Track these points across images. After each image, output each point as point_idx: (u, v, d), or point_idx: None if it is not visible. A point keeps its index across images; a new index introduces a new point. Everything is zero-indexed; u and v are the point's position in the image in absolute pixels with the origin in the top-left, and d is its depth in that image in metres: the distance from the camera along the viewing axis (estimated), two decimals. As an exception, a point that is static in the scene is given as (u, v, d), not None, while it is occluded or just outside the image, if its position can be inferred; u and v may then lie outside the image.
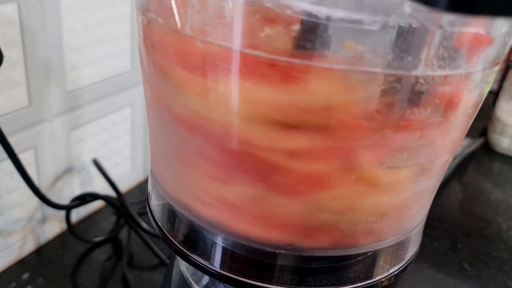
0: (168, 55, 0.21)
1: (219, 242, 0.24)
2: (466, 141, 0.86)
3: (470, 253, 0.60)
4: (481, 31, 0.18)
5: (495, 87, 1.06)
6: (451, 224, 0.66)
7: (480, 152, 0.87)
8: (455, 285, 0.55)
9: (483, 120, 0.96)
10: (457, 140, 0.23)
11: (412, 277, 0.56)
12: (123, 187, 0.65)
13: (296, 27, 0.17)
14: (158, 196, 0.27)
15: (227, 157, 0.22)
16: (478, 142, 0.87)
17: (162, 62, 0.22)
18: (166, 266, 0.54)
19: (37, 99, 0.47)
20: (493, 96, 1.03)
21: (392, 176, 0.21)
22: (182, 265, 0.30)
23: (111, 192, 0.58)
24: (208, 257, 0.24)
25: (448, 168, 0.75)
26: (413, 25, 0.16)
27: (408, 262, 0.26)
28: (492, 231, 0.65)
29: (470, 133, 0.92)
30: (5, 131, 0.42)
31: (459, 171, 0.79)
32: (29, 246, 0.53)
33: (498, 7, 0.12)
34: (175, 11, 0.19)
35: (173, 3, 0.19)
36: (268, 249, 0.23)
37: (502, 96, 0.89)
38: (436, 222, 0.66)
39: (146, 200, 0.29)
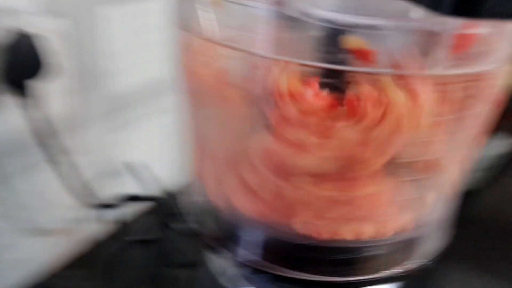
0: (200, 63, 0.23)
1: (248, 235, 0.25)
2: (504, 141, 0.84)
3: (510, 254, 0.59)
4: (493, 31, 0.19)
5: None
6: (493, 225, 0.65)
7: (520, 151, 0.85)
8: (498, 285, 0.54)
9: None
10: (472, 137, 0.24)
11: (452, 278, 0.55)
12: (157, 188, 0.67)
13: (318, 33, 0.19)
14: (194, 194, 0.28)
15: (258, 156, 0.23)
16: (516, 141, 0.85)
17: (195, 70, 0.23)
18: (199, 264, 0.55)
19: (81, 104, 0.50)
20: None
21: (406, 171, 0.22)
22: (211, 259, 0.31)
23: (149, 194, 0.60)
24: (238, 250, 0.26)
25: (490, 167, 0.74)
26: (425, 29, 0.18)
27: (435, 255, 0.27)
28: (532, 232, 0.64)
29: (510, 133, 0.89)
30: (51, 134, 0.45)
31: (502, 171, 0.77)
32: (67, 245, 0.56)
33: (500, 11, 0.13)
34: (207, 23, 0.21)
35: (205, 16, 0.21)
36: (296, 241, 0.24)
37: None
38: (478, 222, 0.65)
39: (181, 198, 0.30)
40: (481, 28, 0.18)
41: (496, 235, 0.63)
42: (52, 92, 0.47)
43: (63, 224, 0.54)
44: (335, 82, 0.19)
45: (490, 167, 0.75)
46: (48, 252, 0.53)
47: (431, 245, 0.28)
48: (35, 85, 0.43)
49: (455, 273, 0.56)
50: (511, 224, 0.66)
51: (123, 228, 0.60)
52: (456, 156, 0.24)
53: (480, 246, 0.60)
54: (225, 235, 0.27)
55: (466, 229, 0.64)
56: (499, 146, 0.82)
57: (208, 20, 0.21)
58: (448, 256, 0.29)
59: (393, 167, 0.22)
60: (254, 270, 0.26)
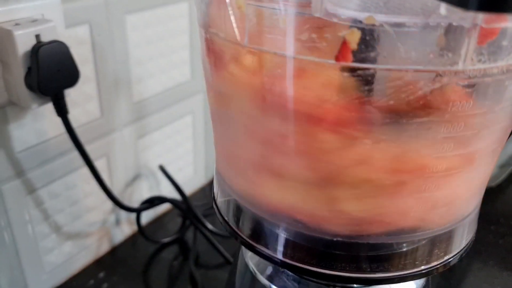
0: (229, 65, 0.23)
1: (282, 232, 0.26)
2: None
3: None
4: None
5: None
6: (510, 220, 0.64)
7: (547, 145, 0.83)
8: (518, 281, 0.54)
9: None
10: (504, 130, 0.23)
11: (476, 275, 0.55)
12: (187, 190, 0.68)
13: (344, 33, 0.19)
14: (224, 193, 0.29)
15: (287, 155, 0.24)
16: (544, 135, 0.83)
17: (224, 71, 0.24)
18: (230, 264, 0.56)
19: (107, 110, 0.51)
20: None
21: (439, 165, 0.22)
22: (247, 257, 0.32)
23: (176, 196, 0.61)
24: (272, 247, 0.26)
25: (506, 164, 0.73)
26: (451, 25, 0.18)
27: (463, 250, 0.27)
28: (561, 227, 0.63)
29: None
30: (81, 141, 0.46)
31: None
32: (104, 247, 0.58)
33: None
34: (234, 25, 0.21)
35: (232, 18, 0.21)
36: (327, 237, 0.24)
37: None
38: (501, 218, 0.65)
39: (213, 199, 0.31)
40: (510, 22, 0.18)
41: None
42: (84, 99, 0.49)
43: (100, 227, 0.56)
44: (363, 79, 0.20)
45: (509, 163, 0.74)
46: (86, 254, 0.55)
47: (460, 241, 0.27)
48: (69, 92, 0.44)
49: (478, 269, 0.55)
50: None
51: (158, 229, 0.62)
52: (488, 150, 0.24)
53: (501, 242, 0.60)
54: (258, 233, 0.27)
55: (487, 225, 0.63)
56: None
57: (234, 22, 0.22)
58: (471, 252, 0.28)
59: (428, 160, 0.22)
60: (287, 266, 0.27)
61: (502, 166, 0.73)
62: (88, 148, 0.49)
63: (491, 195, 0.69)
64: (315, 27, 0.19)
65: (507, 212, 0.66)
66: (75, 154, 0.47)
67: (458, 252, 0.27)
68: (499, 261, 0.57)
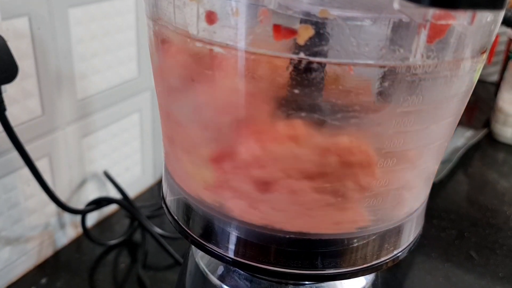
0: (179, 57, 0.23)
1: (233, 231, 0.25)
2: (470, 133, 0.87)
3: (477, 241, 0.62)
4: (465, 22, 0.19)
5: (497, 78, 1.07)
6: (458, 215, 0.67)
7: (484, 143, 0.88)
8: (464, 273, 0.56)
9: (486, 111, 0.97)
10: (451, 125, 0.24)
11: (420, 267, 0.57)
12: (135, 190, 0.67)
13: (297, 26, 0.19)
14: (173, 192, 0.28)
15: (238, 152, 0.23)
16: (482, 133, 0.88)
17: (173, 64, 0.23)
18: (180, 265, 0.55)
19: (49, 108, 0.49)
20: (495, 87, 1.03)
21: (389, 160, 0.22)
22: (197, 257, 0.31)
23: (126, 197, 0.59)
24: (223, 245, 0.26)
25: (453, 159, 0.76)
26: (403, 20, 0.18)
27: (411, 244, 0.28)
28: (499, 220, 0.66)
29: (474, 125, 0.93)
30: (21, 140, 0.44)
31: (464, 162, 0.80)
32: (47, 251, 0.55)
33: (476, 1, 0.14)
34: (185, 16, 0.21)
35: (183, 9, 0.21)
36: (278, 234, 0.24)
37: (504, 86, 0.90)
38: (443, 213, 0.67)
39: (162, 198, 0.30)
40: (457, 19, 0.19)
41: (470, 223, 0.65)
42: (23, 95, 0.46)
43: (43, 231, 0.53)
44: (314, 74, 0.20)
45: (450, 160, 0.77)
46: (27, 260, 0.52)
47: (408, 235, 0.28)
48: (7, 88, 0.42)
49: (422, 262, 0.58)
50: (483, 212, 0.68)
51: (105, 231, 0.60)
52: (436, 145, 0.24)
53: (443, 235, 0.62)
54: (209, 231, 0.27)
55: (430, 219, 0.66)
56: (466, 137, 0.84)
57: (185, 12, 0.21)
58: (415, 246, 0.29)
59: (379, 155, 0.22)
60: (239, 265, 0.26)
61: (443, 162, 0.76)
62: (29, 148, 0.46)
63: (433, 190, 0.72)
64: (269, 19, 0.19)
65: (448, 206, 0.69)
66: (15, 154, 0.45)
67: (407, 246, 0.27)
68: (441, 254, 0.59)
